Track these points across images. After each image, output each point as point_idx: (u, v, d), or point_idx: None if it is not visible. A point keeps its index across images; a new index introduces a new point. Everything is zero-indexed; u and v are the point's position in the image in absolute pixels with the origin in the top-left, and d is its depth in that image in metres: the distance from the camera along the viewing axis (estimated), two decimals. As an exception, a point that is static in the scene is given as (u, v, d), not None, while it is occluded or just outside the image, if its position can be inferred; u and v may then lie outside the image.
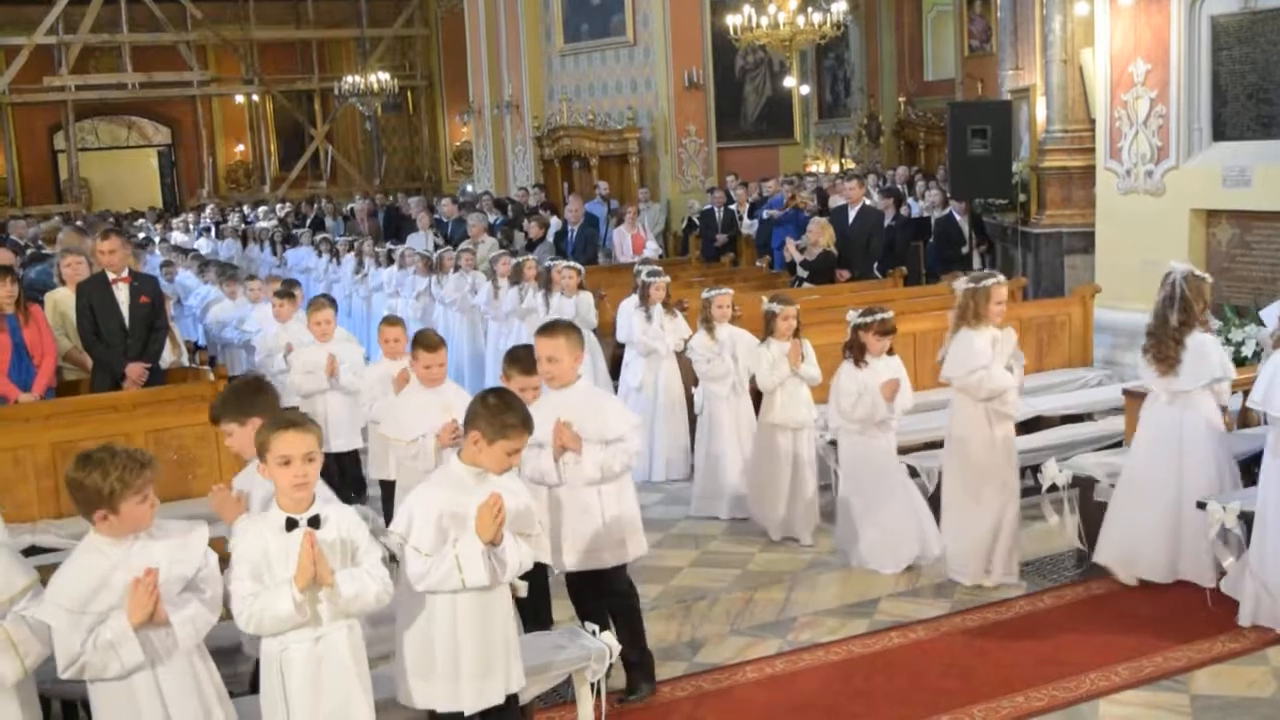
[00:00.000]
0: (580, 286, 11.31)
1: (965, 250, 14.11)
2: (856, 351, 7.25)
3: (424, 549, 4.50)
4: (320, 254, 17.50)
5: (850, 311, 7.44)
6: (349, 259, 16.38)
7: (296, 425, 4.32)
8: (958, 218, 14.23)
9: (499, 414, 4.62)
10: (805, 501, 7.99)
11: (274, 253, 19.61)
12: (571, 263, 11.82)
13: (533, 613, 5.90)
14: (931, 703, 5.74)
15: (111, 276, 8.82)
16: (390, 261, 15.05)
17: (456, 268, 13.49)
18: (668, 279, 9.91)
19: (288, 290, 10.40)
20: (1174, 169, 10.83)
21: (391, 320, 8.15)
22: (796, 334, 7.98)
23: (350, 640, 4.35)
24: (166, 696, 4.10)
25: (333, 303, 9.07)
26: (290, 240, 19.77)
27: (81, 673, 4.02)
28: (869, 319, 7.21)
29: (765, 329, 8.07)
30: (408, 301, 14.01)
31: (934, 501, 7.48)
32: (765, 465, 8.09)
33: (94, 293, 8.81)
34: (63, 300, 9.30)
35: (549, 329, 5.81)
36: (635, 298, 9.96)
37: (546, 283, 11.53)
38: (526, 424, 4.68)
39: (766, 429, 8.10)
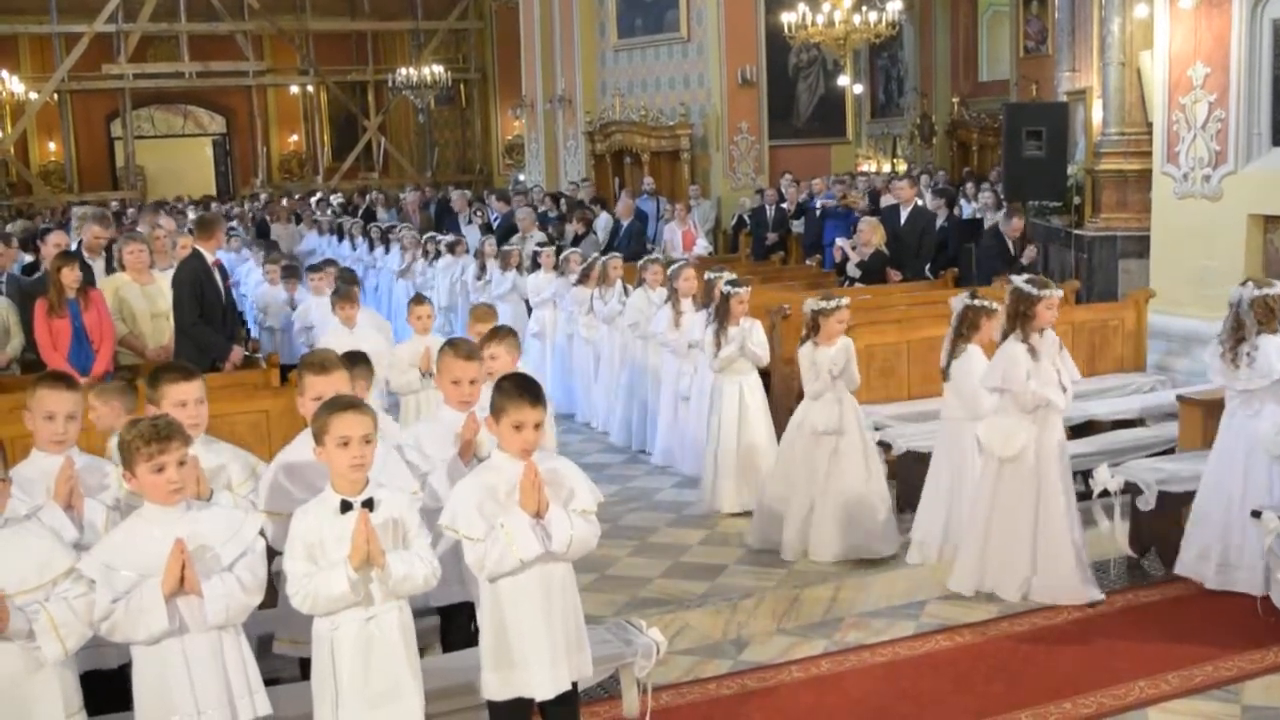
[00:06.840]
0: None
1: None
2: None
3: (475, 535, 4.50)
4: (427, 255, 15.37)
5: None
6: (466, 261, 14.38)
7: (355, 407, 4.37)
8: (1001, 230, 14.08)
9: (499, 392, 4.60)
10: None
11: (370, 248, 17.39)
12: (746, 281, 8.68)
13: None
14: (978, 707, 5.71)
15: (211, 259, 8.98)
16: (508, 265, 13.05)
17: (642, 281, 10.57)
18: (1001, 308, 7.04)
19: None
20: (1232, 174, 10.70)
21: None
22: None
23: (400, 621, 4.38)
24: (193, 668, 4.13)
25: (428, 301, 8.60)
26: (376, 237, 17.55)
27: (112, 632, 4.07)
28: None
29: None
30: (570, 315, 11.71)
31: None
32: None
33: (200, 273, 8.89)
34: (123, 286, 9.39)
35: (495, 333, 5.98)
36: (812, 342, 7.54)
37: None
38: (525, 395, 4.55)
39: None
